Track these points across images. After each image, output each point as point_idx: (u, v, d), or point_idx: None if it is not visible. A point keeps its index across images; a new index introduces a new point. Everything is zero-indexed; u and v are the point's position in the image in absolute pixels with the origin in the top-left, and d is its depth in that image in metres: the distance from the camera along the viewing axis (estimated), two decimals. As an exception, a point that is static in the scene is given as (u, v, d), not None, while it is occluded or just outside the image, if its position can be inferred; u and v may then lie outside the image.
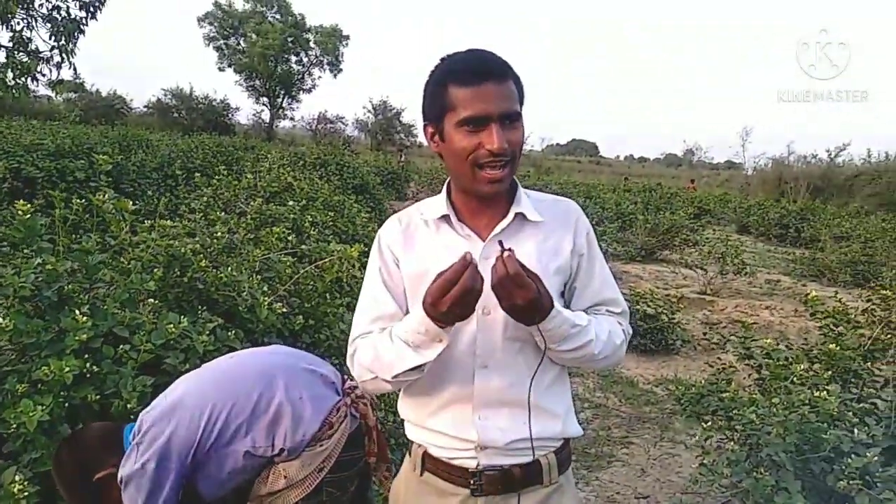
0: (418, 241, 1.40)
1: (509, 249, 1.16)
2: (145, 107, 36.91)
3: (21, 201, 2.40)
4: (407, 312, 1.37)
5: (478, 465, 1.35)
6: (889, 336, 3.47)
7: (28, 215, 2.33)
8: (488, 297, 1.20)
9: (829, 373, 2.91)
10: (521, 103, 1.30)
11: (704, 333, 6.17)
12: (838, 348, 3.09)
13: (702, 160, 65.67)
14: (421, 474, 1.44)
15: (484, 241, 1.34)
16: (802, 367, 2.95)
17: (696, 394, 3.56)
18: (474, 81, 1.23)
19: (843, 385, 3.00)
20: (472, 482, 1.35)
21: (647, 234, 12.09)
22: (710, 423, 2.95)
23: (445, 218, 1.37)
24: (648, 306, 6.15)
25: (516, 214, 1.35)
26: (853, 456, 2.28)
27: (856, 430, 2.37)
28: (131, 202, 2.55)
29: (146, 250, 2.48)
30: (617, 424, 4.46)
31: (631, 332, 1.47)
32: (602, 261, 1.45)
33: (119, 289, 2.32)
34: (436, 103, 1.29)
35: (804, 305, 4.86)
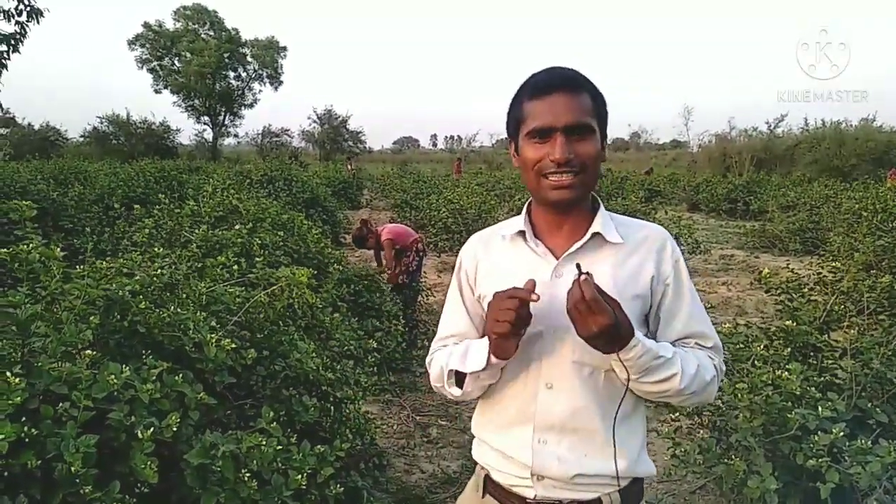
0: (494, 258, 1.41)
1: (587, 273, 1.12)
2: (82, 136, 35.81)
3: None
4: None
5: (535, 495, 1.32)
6: (842, 305, 3.54)
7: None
8: (557, 316, 1.21)
9: (789, 350, 2.94)
10: (600, 118, 1.29)
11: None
12: (795, 324, 3.13)
13: (648, 142, 66.96)
14: (483, 496, 1.44)
15: (558, 259, 1.31)
16: (762, 345, 2.97)
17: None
18: (543, 93, 1.25)
19: (802, 360, 3.03)
20: None
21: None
22: (677, 413, 2.95)
23: (522, 234, 1.36)
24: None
25: (594, 234, 1.30)
26: (820, 433, 2.29)
27: (819, 407, 2.38)
28: (64, 243, 2.41)
29: (80, 297, 2.34)
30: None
31: (724, 368, 1.38)
32: (692, 292, 1.35)
33: (53, 342, 2.18)
34: (512, 118, 1.33)
35: (758, 280, 4.94)
